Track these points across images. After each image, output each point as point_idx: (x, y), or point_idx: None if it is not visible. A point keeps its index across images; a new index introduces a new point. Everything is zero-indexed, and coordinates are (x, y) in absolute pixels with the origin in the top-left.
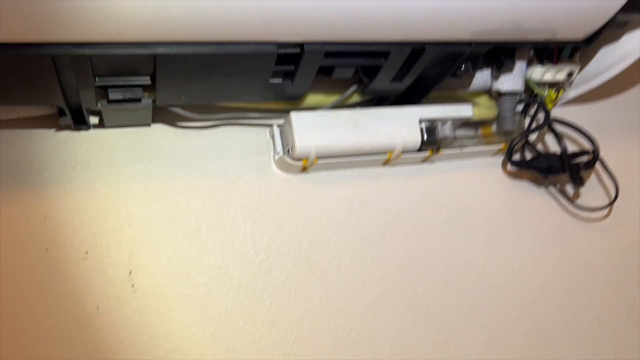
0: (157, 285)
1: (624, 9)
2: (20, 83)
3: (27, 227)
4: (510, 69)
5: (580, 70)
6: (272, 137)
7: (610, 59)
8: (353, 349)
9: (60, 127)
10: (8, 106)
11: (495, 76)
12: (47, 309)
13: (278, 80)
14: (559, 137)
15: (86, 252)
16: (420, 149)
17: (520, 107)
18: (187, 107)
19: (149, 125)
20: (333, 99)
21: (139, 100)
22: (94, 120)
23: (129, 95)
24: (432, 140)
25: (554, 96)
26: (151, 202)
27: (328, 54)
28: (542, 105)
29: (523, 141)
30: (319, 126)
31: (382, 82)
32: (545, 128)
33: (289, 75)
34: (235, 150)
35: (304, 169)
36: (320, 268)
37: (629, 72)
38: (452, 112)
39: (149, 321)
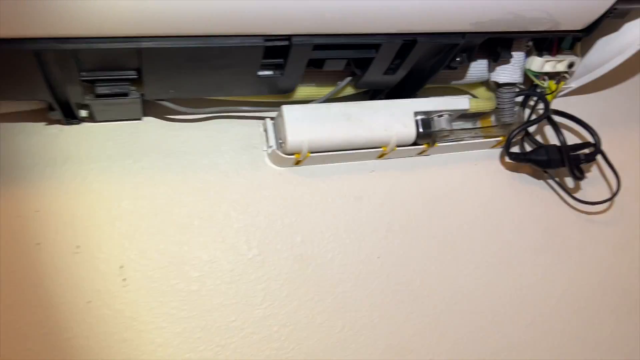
0: (148, 280)
1: None
2: (5, 78)
3: (18, 222)
4: (507, 60)
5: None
6: (265, 130)
7: (611, 50)
8: (347, 344)
9: (50, 122)
10: None
11: (492, 68)
12: (39, 304)
13: (267, 73)
14: (558, 129)
15: (77, 247)
16: (415, 142)
17: (519, 99)
18: (178, 100)
19: (140, 119)
20: (326, 91)
21: (126, 94)
22: (84, 114)
23: (116, 89)
24: (428, 134)
25: (555, 87)
26: (142, 196)
27: (317, 47)
28: (542, 97)
29: (522, 133)
30: (312, 119)
31: (375, 75)
32: (545, 120)
33: (279, 68)
34: (227, 144)
35: (297, 163)
36: (314, 262)
37: (631, 62)
38: (448, 104)
39: (140, 315)
